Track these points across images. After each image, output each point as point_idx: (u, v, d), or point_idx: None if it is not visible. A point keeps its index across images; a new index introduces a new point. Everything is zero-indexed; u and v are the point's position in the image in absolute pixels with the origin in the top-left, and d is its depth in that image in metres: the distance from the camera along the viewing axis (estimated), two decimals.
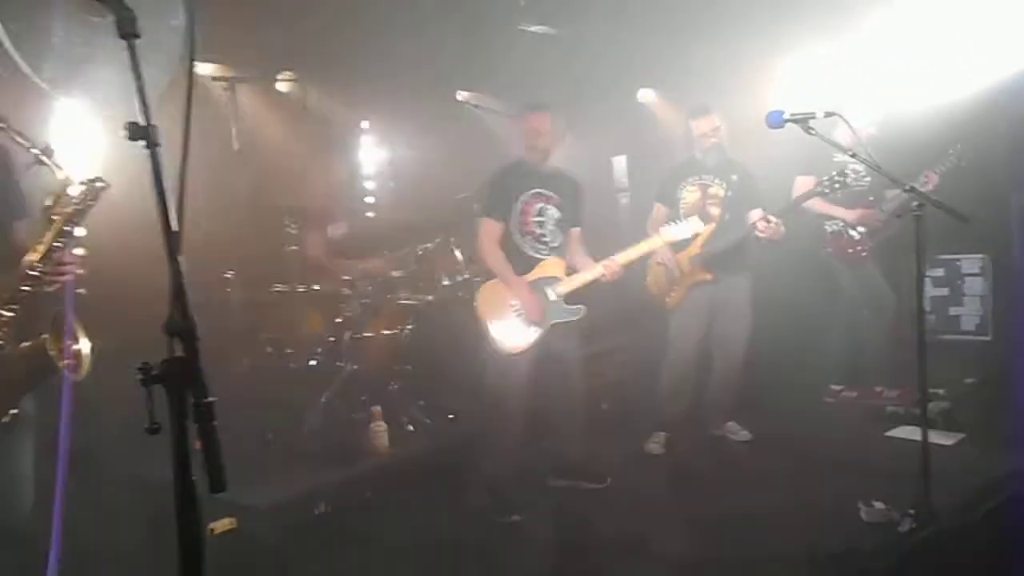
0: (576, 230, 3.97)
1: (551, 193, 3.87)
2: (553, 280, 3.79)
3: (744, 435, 4.47)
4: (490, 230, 3.78)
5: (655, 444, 4.42)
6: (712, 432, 4.52)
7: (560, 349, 3.81)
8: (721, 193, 4.34)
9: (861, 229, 4.71)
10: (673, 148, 5.05)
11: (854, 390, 4.91)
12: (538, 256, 3.82)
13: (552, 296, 3.76)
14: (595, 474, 3.92)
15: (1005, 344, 5.00)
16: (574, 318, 3.80)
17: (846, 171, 3.90)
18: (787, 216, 4.12)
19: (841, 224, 4.75)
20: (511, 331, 3.70)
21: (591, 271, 3.79)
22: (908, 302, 5.00)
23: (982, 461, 3.72)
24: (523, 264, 3.79)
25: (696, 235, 4.11)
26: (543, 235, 3.84)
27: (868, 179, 4.63)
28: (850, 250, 4.74)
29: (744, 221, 4.28)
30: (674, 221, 4.06)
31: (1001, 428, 3.99)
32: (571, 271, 3.86)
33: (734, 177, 4.35)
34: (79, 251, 2.36)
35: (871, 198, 4.66)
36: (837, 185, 3.91)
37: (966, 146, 4.44)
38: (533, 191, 3.83)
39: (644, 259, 4.15)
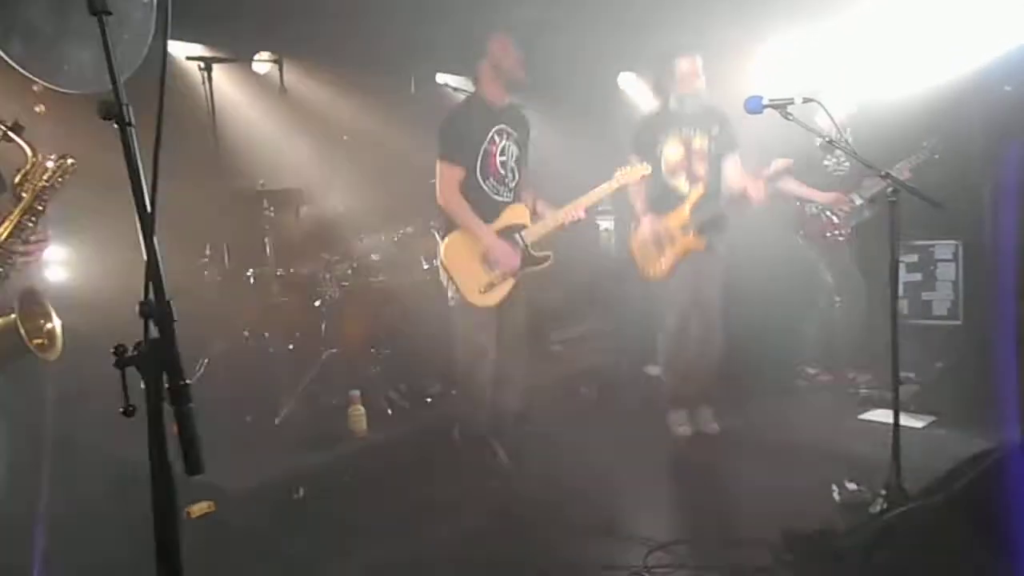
0: (526, 169, 3.78)
1: (511, 129, 3.66)
2: (521, 227, 3.63)
3: (713, 428, 4.29)
4: (450, 175, 3.54)
5: (682, 427, 4.27)
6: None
7: (520, 299, 3.70)
8: (705, 147, 4.08)
9: (839, 212, 4.75)
10: None
11: (829, 374, 4.99)
12: (501, 199, 3.63)
13: (521, 244, 3.62)
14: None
15: (975, 329, 5.09)
16: (544, 266, 3.67)
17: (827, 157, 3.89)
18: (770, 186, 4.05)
19: (819, 207, 4.77)
20: (482, 284, 3.57)
21: (556, 215, 3.64)
22: (880, 288, 5.13)
23: (951, 443, 3.79)
24: (489, 210, 3.59)
25: (682, 198, 3.99)
26: (506, 176, 3.65)
27: (848, 164, 4.69)
28: (827, 234, 4.80)
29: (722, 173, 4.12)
30: (664, 176, 3.99)
31: (970, 411, 4.08)
32: (534, 216, 3.71)
33: (715, 129, 4.10)
34: (50, 231, 2.33)
35: (849, 185, 4.71)
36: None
37: (939, 139, 4.43)
38: (495, 128, 3.60)
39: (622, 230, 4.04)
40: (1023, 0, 4.70)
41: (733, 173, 4.13)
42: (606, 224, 7.52)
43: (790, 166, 4.26)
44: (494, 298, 3.60)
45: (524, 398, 3.90)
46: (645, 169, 3.79)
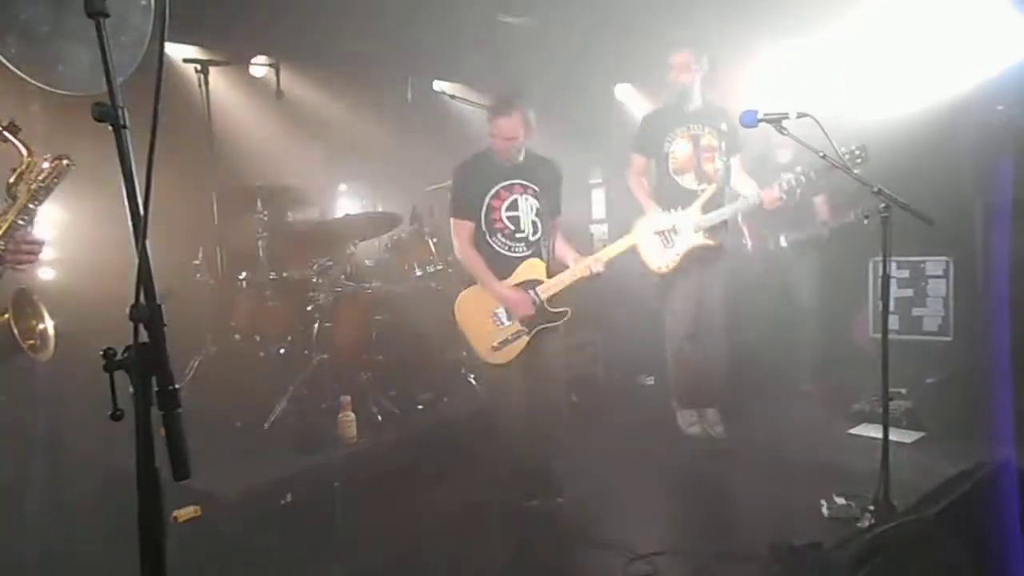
0: (558, 219, 3.70)
1: (526, 182, 3.54)
2: (535, 283, 3.51)
3: (719, 430, 4.35)
4: (460, 230, 3.53)
5: (693, 426, 4.35)
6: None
7: (546, 358, 3.57)
8: (715, 143, 4.13)
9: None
10: None
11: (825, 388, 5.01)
12: (514, 255, 3.51)
13: (536, 300, 3.50)
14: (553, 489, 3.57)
15: (966, 345, 5.11)
16: (559, 322, 3.55)
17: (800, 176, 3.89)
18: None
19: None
20: (495, 340, 3.47)
21: (573, 270, 3.54)
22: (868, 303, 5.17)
23: (940, 458, 3.80)
24: (502, 266, 3.51)
25: (697, 197, 4.02)
26: (517, 231, 3.51)
27: (804, 178, 4.73)
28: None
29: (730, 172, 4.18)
30: (672, 174, 4.05)
31: (960, 427, 4.10)
32: (553, 269, 3.59)
33: (723, 126, 4.13)
34: (45, 233, 2.32)
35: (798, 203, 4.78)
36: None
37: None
38: (502, 184, 3.50)
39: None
40: (1015, 22, 4.75)
41: (738, 174, 4.22)
42: (600, 233, 7.54)
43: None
44: (506, 356, 3.48)
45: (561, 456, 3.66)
46: (666, 224, 3.95)
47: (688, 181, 4.16)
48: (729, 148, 4.18)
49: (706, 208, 4.04)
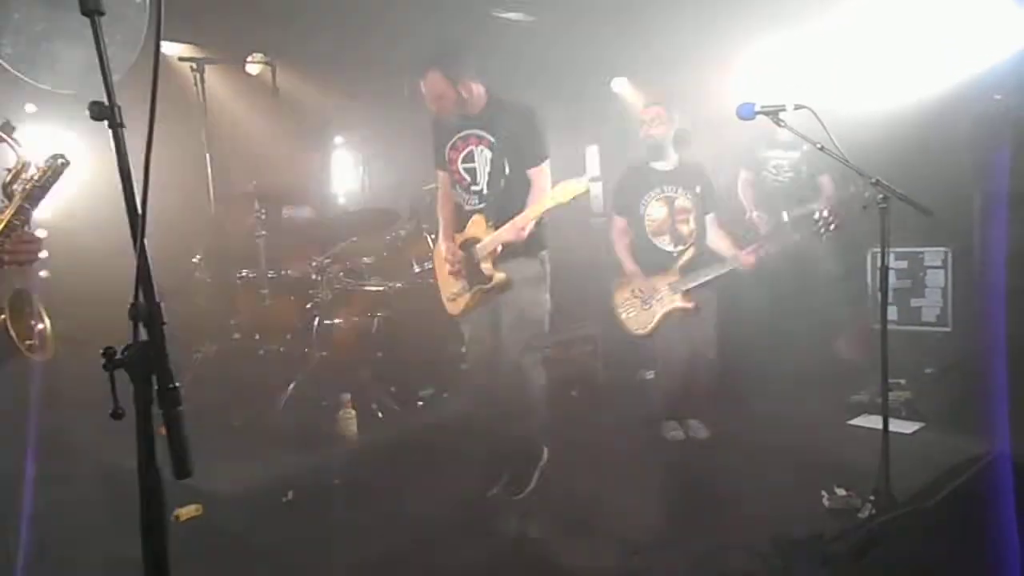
0: (535, 170, 3.37)
1: (482, 133, 3.37)
2: (475, 240, 3.39)
3: (703, 433, 4.30)
4: (440, 180, 3.60)
5: (674, 432, 4.30)
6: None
7: (496, 324, 3.48)
8: (689, 206, 4.17)
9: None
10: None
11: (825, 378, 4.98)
12: (469, 208, 3.44)
13: (475, 259, 3.37)
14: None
15: (964, 335, 5.12)
16: (491, 286, 3.34)
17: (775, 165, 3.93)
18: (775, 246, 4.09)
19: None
20: (449, 292, 3.57)
21: (499, 234, 3.29)
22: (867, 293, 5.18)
23: (940, 449, 3.81)
24: (462, 219, 3.48)
25: (674, 260, 4.09)
26: (472, 184, 3.41)
27: (788, 177, 4.75)
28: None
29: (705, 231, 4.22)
30: (649, 236, 4.11)
31: (959, 418, 4.11)
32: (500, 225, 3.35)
33: (698, 188, 4.18)
34: (42, 232, 2.31)
35: (785, 200, 4.80)
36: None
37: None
38: (458, 135, 3.41)
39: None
40: (1013, 11, 4.74)
41: (713, 232, 4.25)
42: (597, 226, 7.53)
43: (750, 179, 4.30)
44: (456, 307, 3.55)
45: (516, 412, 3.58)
46: (581, 188, 3.45)
47: (664, 243, 4.18)
48: (704, 207, 4.22)
49: (683, 270, 4.12)
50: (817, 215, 3.51)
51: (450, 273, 3.48)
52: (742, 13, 5.16)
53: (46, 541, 2.90)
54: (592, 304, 5.39)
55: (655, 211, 4.18)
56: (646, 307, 4.18)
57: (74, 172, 2.31)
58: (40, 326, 2.45)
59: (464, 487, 3.72)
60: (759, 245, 4.07)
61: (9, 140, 2.21)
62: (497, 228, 3.30)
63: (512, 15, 5.78)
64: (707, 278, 4.13)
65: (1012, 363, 3.86)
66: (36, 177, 2.24)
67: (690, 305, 4.12)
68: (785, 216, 5.01)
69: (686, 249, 4.15)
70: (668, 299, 4.14)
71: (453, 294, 3.56)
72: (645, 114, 4.16)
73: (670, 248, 4.18)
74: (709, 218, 4.25)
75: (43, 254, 2.30)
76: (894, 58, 5.04)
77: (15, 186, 2.23)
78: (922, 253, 5.41)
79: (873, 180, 2.96)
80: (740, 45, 5.54)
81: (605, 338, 5.70)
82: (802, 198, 4.96)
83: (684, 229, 4.18)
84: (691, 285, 4.11)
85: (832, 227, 3.45)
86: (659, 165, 4.18)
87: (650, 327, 4.19)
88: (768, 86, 5.38)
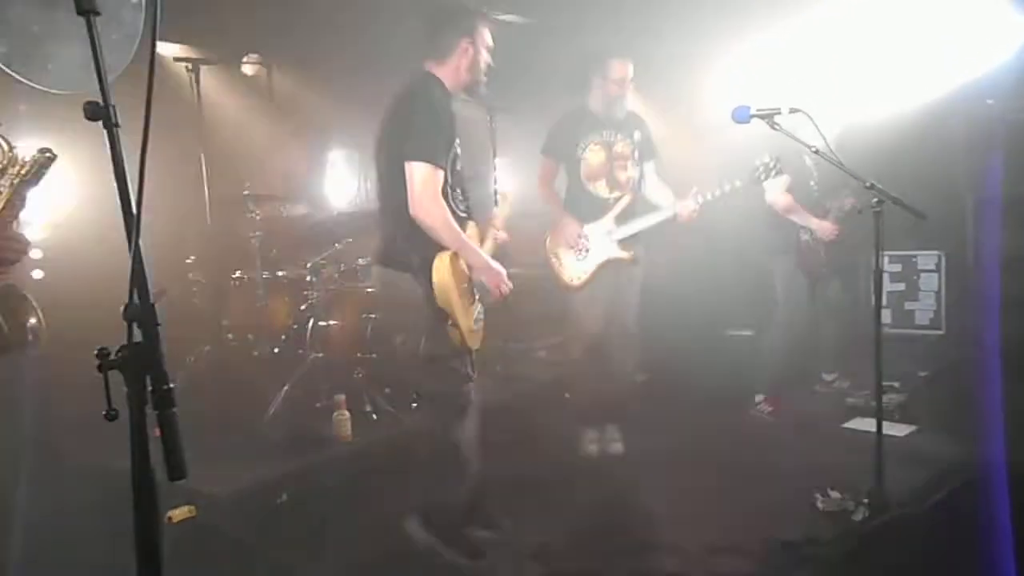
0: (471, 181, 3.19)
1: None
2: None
3: (617, 448, 4.13)
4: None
5: (592, 444, 4.12)
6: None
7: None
8: (628, 152, 3.96)
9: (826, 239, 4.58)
10: None
11: (846, 380, 4.98)
12: (461, 216, 2.98)
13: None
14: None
15: (958, 339, 5.14)
16: (474, 306, 3.03)
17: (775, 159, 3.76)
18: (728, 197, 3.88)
19: (812, 236, 4.57)
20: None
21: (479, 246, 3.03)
22: (858, 296, 5.18)
23: (933, 452, 3.83)
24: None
25: (610, 207, 3.89)
26: (459, 193, 3.00)
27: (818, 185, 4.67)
28: (816, 261, 4.65)
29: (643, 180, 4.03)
30: (584, 181, 3.91)
31: (952, 421, 4.12)
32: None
33: (637, 134, 3.99)
34: (34, 232, 2.30)
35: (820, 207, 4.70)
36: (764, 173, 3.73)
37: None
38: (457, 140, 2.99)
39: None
40: (1006, 16, 4.77)
41: (652, 181, 4.10)
42: None
43: (789, 184, 4.21)
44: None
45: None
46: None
47: (600, 189, 3.98)
48: (643, 155, 4.05)
49: (620, 219, 3.95)
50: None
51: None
52: (733, 17, 5.18)
53: (39, 542, 2.89)
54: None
55: (592, 156, 3.95)
56: (580, 257, 3.95)
57: (68, 173, 2.30)
58: (32, 321, 2.43)
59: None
60: (698, 192, 3.84)
61: None
62: None
63: (510, 17, 5.77)
64: (644, 226, 3.96)
65: (1005, 366, 3.88)
66: (23, 171, 2.22)
67: (627, 255, 3.94)
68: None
69: (622, 196, 3.96)
70: (604, 249, 3.93)
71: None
72: (615, 70, 3.89)
73: (606, 194, 3.97)
74: (648, 166, 4.07)
75: (36, 254, 2.29)
76: (888, 63, 5.05)
77: (2, 181, 2.21)
78: (915, 256, 5.44)
79: (867, 184, 2.98)
80: (733, 48, 5.56)
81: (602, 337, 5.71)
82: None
83: (622, 176, 3.96)
84: (628, 233, 3.93)
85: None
86: (598, 111, 3.98)
87: (584, 278, 3.95)
88: (761, 90, 5.40)
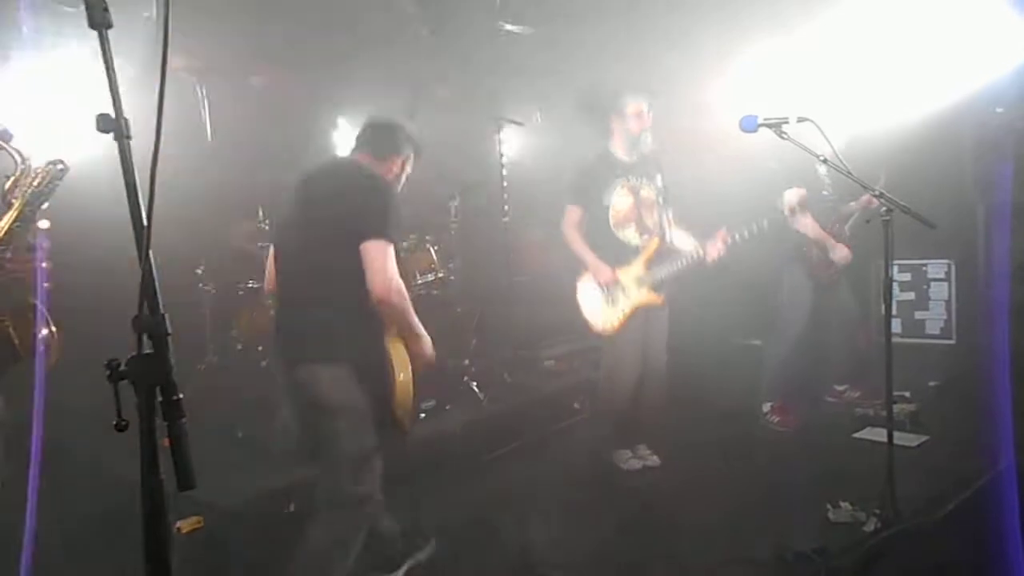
0: None
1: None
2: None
3: (654, 460, 4.15)
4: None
5: (629, 462, 4.12)
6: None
7: None
8: (653, 197, 4.00)
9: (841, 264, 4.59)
10: None
11: (857, 390, 4.95)
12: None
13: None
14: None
15: (968, 348, 5.11)
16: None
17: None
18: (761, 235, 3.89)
19: (823, 250, 4.58)
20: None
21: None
22: (871, 307, 5.15)
23: (945, 462, 3.80)
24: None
25: (639, 252, 3.92)
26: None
27: (832, 195, 4.66)
28: (827, 273, 4.68)
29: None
30: (613, 228, 3.91)
31: (963, 430, 4.09)
32: None
33: (659, 179, 4.02)
34: (44, 242, 2.32)
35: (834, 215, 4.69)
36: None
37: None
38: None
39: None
40: (1014, 24, 4.76)
41: (675, 228, 4.10)
42: None
43: (804, 198, 4.20)
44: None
45: None
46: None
47: (630, 235, 3.99)
48: (666, 200, 4.05)
49: (649, 264, 3.95)
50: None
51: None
52: (741, 24, 5.18)
53: (48, 552, 2.89)
54: None
55: (620, 201, 3.96)
56: (611, 303, 3.96)
57: (80, 184, 2.32)
58: (45, 331, 2.45)
59: (468, 499, 3.71)
60: (726, 234, 3.85)
61: (8, 148, 2.22)
62: None
63: (519, 28, 5.80)
64: (674, 270, 3.96)
65: (1016, 375, 3.85)
66: (35, 182, 2.24)
67: (659, 300, 3.96)
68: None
69: (650, 240, 3.98)
70: (635, 294, 3.95)
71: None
72: (630, 107, 3.95)
73: (635, 240, 3.99)
74: (669, 212, 4.06)
75: (44, 264, 2.30)
76: (896, 72, 5.05)
77: (15, 192, 2.24)
78: (925, 265, 5.41)
79: (876, 192, 2.97)
80: (740, 56, 5.56)
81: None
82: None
83: (649, 221, 3.99)
84: (658, 278, 3.94)
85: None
86: (622, 155, 4.02)
87: (617, 324, 3.96)
88: (770, 99, 5.39)
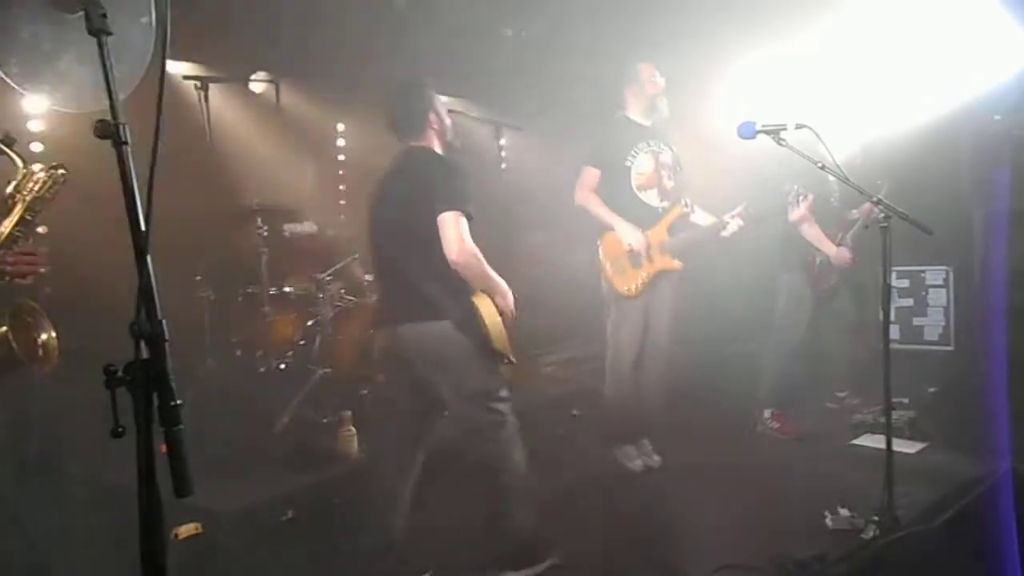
0: None
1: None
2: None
3: (656, 460, 4.13)
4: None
5: (635, 461, 4.09)
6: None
7: None
8: (671, 162, 3.98)
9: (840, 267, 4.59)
10: None
11: (856, 396, 4.96)
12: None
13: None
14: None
15: (966, 354, 5.11)
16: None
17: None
18: (761, 223, 3.95)
19: (825, 258, 4.57)
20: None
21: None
22: (869, 313, 5.14)
23: (944, 469, 3.80)
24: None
25: (660, 216, 3.88)
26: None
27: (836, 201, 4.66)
28: (828, 282, 4.68)
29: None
30: (636, 190, 3.86)
31: (962, 437, 4.09)
32: None
33: (674, 146, 4.02)
34: (44, 247, 2.32)
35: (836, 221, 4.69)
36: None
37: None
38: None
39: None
40: (1012, 32, 4.78)
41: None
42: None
43: (811, 206, 4.21)
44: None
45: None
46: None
47: (651, 198, 3.97)
48: (682, 168, 4.06)
49: (671, 230, 3.94)
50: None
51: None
52: (742, 32, 5.20)
53: (44, 558, 2.88)
54: (590, 321, 5.39)
55: (643, 164, 3.93)
56: (635, 266, 3.90)
57: (81, 190, 2.32)
58: (44, 336, 2.44)
59: (467, 506, 3.70)
60: (747, 205, 3.87)
61: (9, 153, 2.22)
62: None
63: (516, 33, 5.81)
64: (694, 237, 3.96)
65: (1014, 382, 3.86)
66: (36, 188, 2.25)
67: (679, 265, 3.94)
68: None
69: (671, 206, 3.96)
70: (658, 259, 3.90)
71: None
72: (644, 70, 3.96)
73: (656, 203, 3.97)
74: (681, 178, 4.06)
75: (43, 269, 2.30)
76: (894, 80, 5.06)
77: (16, 198, 2.24)
78: (923, 272, 5.42)
79: (875, 199, 2.98)
80: (737, 63, 5.58)
81: (604, 355, 5.69)
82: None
83: (668, 185, 3.97)
84: (681, 244, 3.92)
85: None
86: (641, 120, 4.00)
87: (639, 287, 3.91)
88: (767, 106, 5.40)
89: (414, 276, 2.90)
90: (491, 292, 2.95)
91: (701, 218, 4.06)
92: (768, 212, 3.97)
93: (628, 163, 3.92)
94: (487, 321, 2.89)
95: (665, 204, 4.00)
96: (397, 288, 3.01)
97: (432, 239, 2.81)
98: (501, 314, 2.96)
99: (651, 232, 3.92)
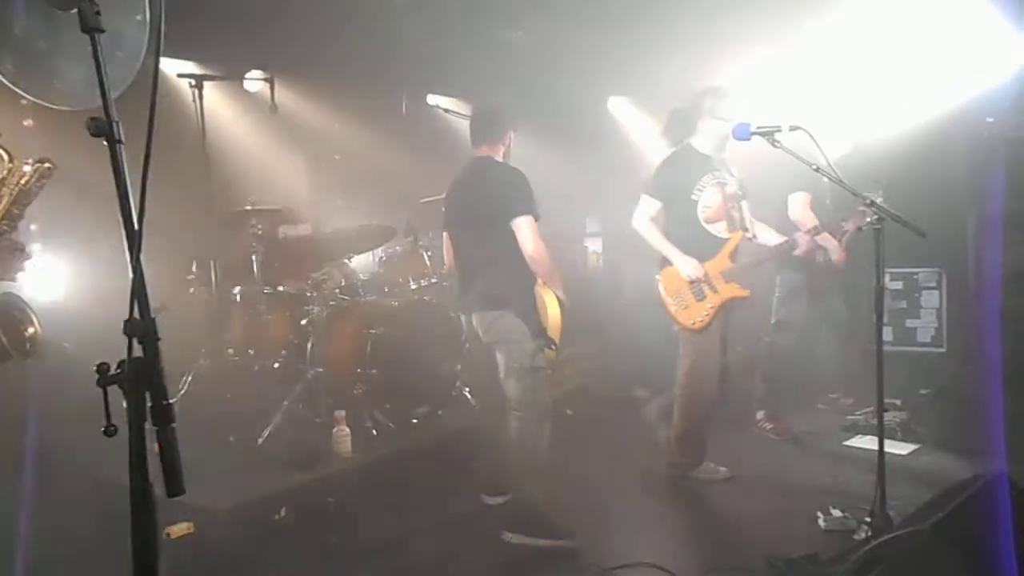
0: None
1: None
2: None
3: (723, 471, 4.03)
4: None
5: (720, 470, 4.02)
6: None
7: None
8: (736, 192, 3.91)
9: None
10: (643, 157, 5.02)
11: (849, 397, 4.98)
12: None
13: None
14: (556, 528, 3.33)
15: (959, 356, 5.13)
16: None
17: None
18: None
19: (825, 256, 4.53)
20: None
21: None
22: (862, 314, 5.15)
23: (936, 470, 3.81)
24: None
25: (723, 246, 3.83)
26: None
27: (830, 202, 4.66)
28: (826, 280, 4.68)
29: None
30: (704, 223, 3.80)
31: (954, 438, 4.11)
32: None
33: (736, 173, 3.95)
34: (35, 247, 2.32)
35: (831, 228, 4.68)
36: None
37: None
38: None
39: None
40: (1006, 34, 4.80)
41: (757, 225, 4.06)
42: (594, 246, 7.56)
43: (810, 202, 4.24)
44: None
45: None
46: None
47: (720, 230, 3.87)
48: (745, 194, 3.99)
49: (733, 256, 3.87)
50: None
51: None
52: (734, 31, 5.21)
53: (36, 557, 2.87)
54: (586, 321, 5.40)
55: (710, 198, 3.83)
56: (699, 298, 3.83)
57: (75, 187, 2.31)
58: (31, 329, 2.44)
59: (458, 504, 3.71)
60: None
61: None
62: None
63: (511, 34, 5.82)
64: (763, 259, 4.00)
65: (1007, 383, 3.87)
66: (23, 181, 2.24)
67: (746, 293, 3.86)
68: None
69: (734, 234, 3.89)
70: (724, 289, 3.83)
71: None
72: (722, 107, 3.83)
73: (725, 235, 3.87)
74: (745, 205, 3.98)
75: (32, 264, 2.30)
76: (888, 82, 5.08)
77: (2, 191, 2.23)
78: (917, 274, 5.44)
79: (868, 201, 2.98)
80: (733, 64, 5.59)
81: (599, 355, 5.70)
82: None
83: (736, 216, 3.90)
84: (747, 270, 3.88)
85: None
86: (708, 152, 3.89)
87: (707, 320, 3.82)
88: (764, 107, 5.42)
89: (485, 273, 3.47)
90: (553, 283, 3.45)
91: (766, 236, 4.05)
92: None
93: (695, 197, 3.83)
94: (549, 312, 3.44)
95: (735, 233, 3.92)
96: (471, 282, 3.55)
97: (500, 240, 3.35)
98: (560, 305, 3.45)
99: (711, 263, 3.84)
